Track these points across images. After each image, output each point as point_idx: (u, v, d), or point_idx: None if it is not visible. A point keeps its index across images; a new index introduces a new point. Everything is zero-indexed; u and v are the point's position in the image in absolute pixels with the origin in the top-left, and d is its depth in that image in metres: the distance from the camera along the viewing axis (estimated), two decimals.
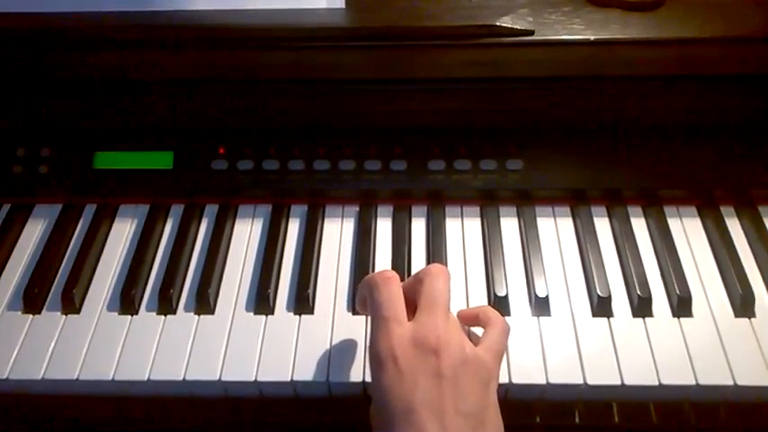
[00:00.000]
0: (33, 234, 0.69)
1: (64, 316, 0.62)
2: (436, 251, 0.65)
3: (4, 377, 0.58)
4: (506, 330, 0.53)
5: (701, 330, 0.59)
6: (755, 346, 0.58)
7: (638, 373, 0.56)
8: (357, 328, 0.60)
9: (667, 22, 0.64)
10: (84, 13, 0.67)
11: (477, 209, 0.69)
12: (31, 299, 0.63)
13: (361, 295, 0.54)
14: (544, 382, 0.56)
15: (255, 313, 0.62)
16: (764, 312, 0.61)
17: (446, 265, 0.64)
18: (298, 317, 0.61)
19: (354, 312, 0.61)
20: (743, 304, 0.60)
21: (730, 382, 0.56)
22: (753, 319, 0.60)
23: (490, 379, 0.49)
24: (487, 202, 0.69)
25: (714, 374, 0.56)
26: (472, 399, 0.47)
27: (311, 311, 0.62)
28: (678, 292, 0.61)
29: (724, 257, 0.64)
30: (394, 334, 0.49)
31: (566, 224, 0.68)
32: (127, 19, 0.67)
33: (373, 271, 0.64)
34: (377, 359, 0.49)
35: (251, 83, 0.69)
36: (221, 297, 0.63)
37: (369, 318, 0.58)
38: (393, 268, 0.64)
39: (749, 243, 0.66)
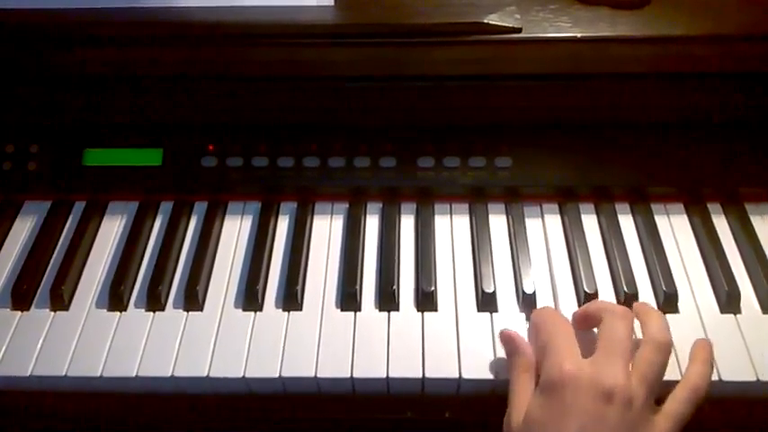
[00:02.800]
0: (22, 231, 0.69)
1: (52, 312, 0.62)
2: (425, 248, 0.65)
3: None
4: (699, 398, 0.51)
5: (687, 326, 0.59)
6: (741, 342, 0.58)
7: None
8: (345, 324, 0.60)
9: (654, 20, 0.65)
10: (73, 9, 0.67)
11: (466, 206, 0.70)
12: (20, 295, 0.63)
13: (534, 326, 0.55)
14: None
15: (244, 310, 0.62)
16: (750, 309, 0.61)
17: (434, 261, 0.65)
18: (286, 313, 0.61)
19: (343, 309, 0.62)
20: (728, 301, 0.61)
21: (716, 378, 0.56)
22: (738, 316, 0.60)
23: None
24: (476, 199, 0.69)
25: None
26: None
27: (300, 308, 0.62)
28: (664, 288, 0.61)
29: (710, 254, 0.64)
30: (568, 364, 0.49)
31: (554, 221, 0.68)
32: (116, 15, 0.67)
33: (362, 268, 0.65)
34: (546, 381, 0.49)
35: (240, 80, 0.69)
36: (210, 294, 0.63)
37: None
38: (381, 265, 0.64)
39: (735, 240, 0.66)
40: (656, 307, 0.61)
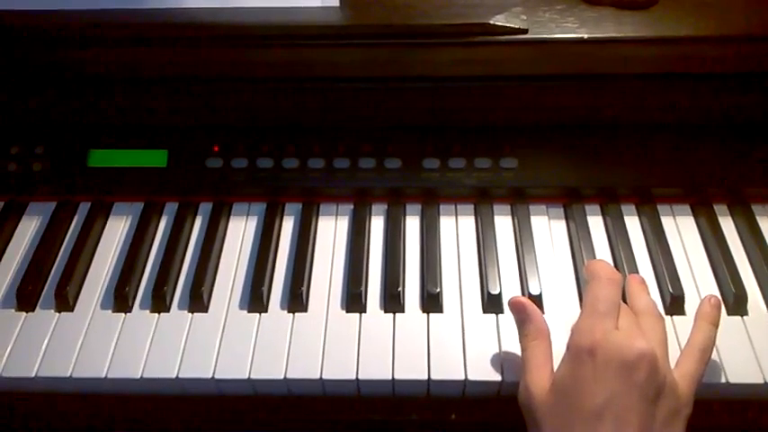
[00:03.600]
0: (27, 232, 0.69)
1: (57, 314, 0.62)
2: (430, 249, 0.65)
3: None
4: (708, 359, 0.53)
5: None
6: (747, 344, 0.58)
7: None
8: (351, 326, 0.60)
9: (661, 21, 0.64)
10: (77, 10, 0.67)
11: (472, 207, 0.69)
12: (25, 296, 0.63)
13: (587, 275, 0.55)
14: None
15: (249, 311, 0.62)
16: (757, 311, 0.61)
17: (440, 262, 0.64)
18: (291, 315, 0.61)
19: (348, 310, 0.61)
20: (735, 303, 0.61)
21: (722, 380, 0.56)
22: (745, 318, 0.60)
23: (680, 408, 0.49)
24: (481, 200, 0.69)
25: (707, 372, 0.56)
26: (659, 423, 0.47)
27: (305, 309, 0.62)
28: (671, 290, 0.61)
29: (717, 256, 0.64)
30: (601, 326, 0.50)
31: (559, 222, 0.68)
32: (121, 16, 0.67)
33: (367, 269, 0.64)
34: (576, 348, 0.50)
35: (245, 81, 0.69)
36: (215, 295, 0.63)
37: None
38: (387, 266, 0.64)
39: (742, 241, 0.66)
40: (663, 309, 0.61)
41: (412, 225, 0.68)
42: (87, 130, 0.72)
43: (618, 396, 0.47)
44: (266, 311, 0.62)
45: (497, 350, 0.58)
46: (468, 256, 0.66)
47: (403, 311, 0.61)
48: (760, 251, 0.64)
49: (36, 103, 0.71)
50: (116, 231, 0.69)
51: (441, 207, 0.69)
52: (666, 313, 0.61)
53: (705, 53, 0.65)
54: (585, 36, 0.63)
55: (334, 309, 0.62)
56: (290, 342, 0.59)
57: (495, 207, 0.69)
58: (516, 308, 0.55)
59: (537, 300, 0.61)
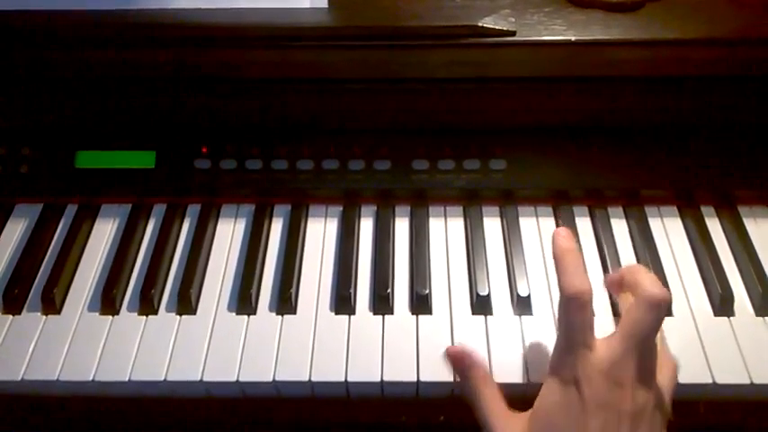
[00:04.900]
0: (14, 234, 0.69)
1: (44, 316, 0.62)
2: (419, 251, 0.65)
3: None
4: (677, 375, 0.54)
5: (681, 329, 0.60)
6: (734, 345, 0.58)
7: None
8: (339, 328, 0.60)
9: (648, 24, 0.65)
10: (64, 11, 0.66)
11: (461, 208, 0.70)
12: (11, 299, 0.63)
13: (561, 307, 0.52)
14: (526, 381, 0.56)
15: (238, 313, 0.62)
16: (743, 312, 0.61)
17: (429, 264, 0.64)
18: (280, 317, 0.61)
19: (337, 312, 0.61)
20: (722, 303, 0.61)
21: (709, 381, 0.56)
22: (732, 318, 0.61)
23: (663, 426, 0.50)
24: (471, 201, 0.69)
25: (693, 373, 0.57)
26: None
27: (294, 311, 0.62)
28: None
29: (704, 257, 0.64)
30: (582, 359, 0.48)
31: (548, 224, 0.68)
32: (109, 17, 0.66)
33: (356, 271, 0.64)
34: (558, 380, 0.49)
35: (234, 81, 0.69)
36: (203, 297, 0.63)
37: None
38: (376, 268, 0.64)
39: (729, 243, 0.66)
40: None
41: (401, 227, 0.68)
42: (74, 131, 0.71)
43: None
44: (255, 314, 0.62)
45: (486, 352, 0.58)
46: (457, 257, 0.66)
47: (392, 313, 0.61)
48: (746, 253, 0.64)
49: (22, 103, 0.71)
50: (103, 233, 0.69)
51: (430, 208, 0.69)
52: None
53: (692, 56, 0.65)
54: (573, 38, 0.63)
55: (323, 311, 0.62)
56: (278, 344, 0.59)
57: (484, 208, 0.69)
58: (458, 357, 0.54)
59: (525, 301, 0.61)
